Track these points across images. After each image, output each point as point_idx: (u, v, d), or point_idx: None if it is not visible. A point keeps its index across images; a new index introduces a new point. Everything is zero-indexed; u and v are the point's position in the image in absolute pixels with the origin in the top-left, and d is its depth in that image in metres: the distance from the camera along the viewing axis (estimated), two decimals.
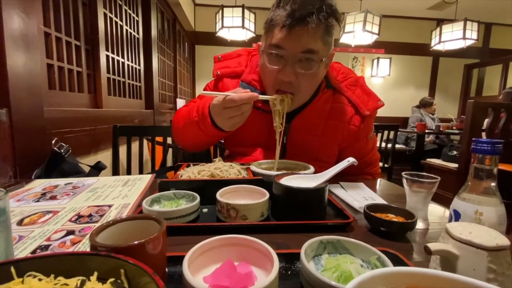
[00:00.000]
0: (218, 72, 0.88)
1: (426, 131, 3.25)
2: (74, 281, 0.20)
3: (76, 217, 0.51)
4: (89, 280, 0.20)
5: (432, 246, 0.30)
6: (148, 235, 0.28)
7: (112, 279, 0.21)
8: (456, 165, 2.22)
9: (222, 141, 1.00)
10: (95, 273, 0.21)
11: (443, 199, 0.65)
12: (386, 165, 2.52)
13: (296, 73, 0.72)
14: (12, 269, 0.20)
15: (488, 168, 0.39)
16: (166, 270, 0.33)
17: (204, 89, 0.95)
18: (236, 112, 0.67)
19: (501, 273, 0.28)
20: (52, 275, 0.21)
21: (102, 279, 0.21)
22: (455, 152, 2.46)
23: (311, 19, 0.65)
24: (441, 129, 3.33)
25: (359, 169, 0.89)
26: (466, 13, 3.40)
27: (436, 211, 0.62)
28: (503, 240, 0.29)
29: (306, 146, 0.84)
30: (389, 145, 2.52)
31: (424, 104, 3.83)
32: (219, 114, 0.69)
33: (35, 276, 0.21)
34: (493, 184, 0.39)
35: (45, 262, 0.21)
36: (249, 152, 0.87)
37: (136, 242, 0.27)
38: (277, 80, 0.74)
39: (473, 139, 0.39)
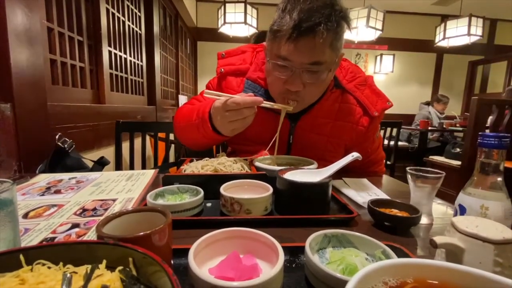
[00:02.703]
0: (222, 69, 0.85)
1: (429, 128, 3.23)
2: (83, 269, 0.20)
3: (81, 210, 0.51)
4: (98, 268, 0.20)
5: (438, 239, 0.30)
6: (153, 227, 0.28)
7: (120, 267, 0.21)
8: (459, 163, 2.21)
9: None
10: (104, 261, 0.21)
11: (445, 196, 0.64)
12: (388, 162, 2.51)
13: (303, 83, 0.69)
14: (21, 257, 0.20)
15: (495, 163, 0.38)
16: (172, 262, 0.33)
17: (207, 86, 0.94)
18: (238, 116, 0.64)
19: (508, 267, 0.28)
20: (61, 263, 0.21)
21: (110, 268, 0.21)
22: (458, 150, 2.44)
23: (318, 30, 0.61)
24: (444, 126, 3.31)
25: (364, 168, 0.89)
26: (471, 9, 3.36)
27: (439, 207, 0.62)
28: (510, 234, 0.29)
29: (312, 146, 0.83)
30: (392, 142, 2.51)
31: (437, 100, 3.71)
32: (220, 117, 0.66)
33: (44, 264, 0.21)
34: (499, 179, 0.39)
35: (53, 251, 0.22)
36: (253, 150, 0.86)
37: (142, 233, 0.27)
38: (283, 89, 0.72)
39: (480, 133, 0.39)
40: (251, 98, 0.64)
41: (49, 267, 0.21)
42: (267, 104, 0.68)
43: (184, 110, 0.85)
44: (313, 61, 0.66)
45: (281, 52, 0.67)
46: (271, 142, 0.76)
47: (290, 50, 0.65)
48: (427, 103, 3.85)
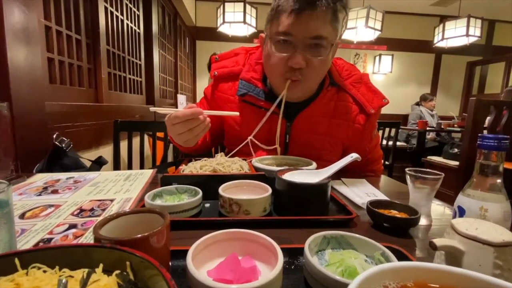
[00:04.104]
0: (216, 73, 0.87)
1: (427, 128, 3.24)
2: (80, 273, 0.20)
3: (78, 211, 0.50)
4: (95, 272, 0.20)
5: (438, 241, 0.30)
6: (151, 228, 0.28)
7: (117, 271, 0.20)
8: (457, 163, 2.21)
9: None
10: (101, 265, 0.21)
11: (443, 197, 0.65)
12: (387, 163, 2.51)
13: (306, 59, 0.70)
14: (17, 261, 0.20)
15: (494, 164, 0.38)
16: (170, 264, 0.33)
17: (204, 94, 0.95)
18: (183, 128, 0.65)
19: (507, 269, 0.28)
20: (57, 267, 0.21)
21: (107, 271, 0.21)
22: (456, 150, 2.45)
23: (319, 3, 0.64)
24: (442, 126, 3.32)
25: (362, 167, 0.89)
26: (470, 9, 3.37)
27: (437, 208, 0.62)
28: (510, 236, 0.29)
29: (309, 145, 0.83)
30: (390, 143, 2.51)
31: (424, 98, 3.83)
32: (169, 130, 0.68)
33: (39, 268, 0.20)
34: (498, 180, 0.39)
35: (49, 254, 0.21)
36: (249, 151, 0.85)
37: (139, 235, 0.26)
38: (286, 67, 0.72)
39: (479, 134, 0.39)
40: (190, 110, 0.64)
41: (44, 271, 0.20)
42: (208, 112, 0.68)
43: None
44: (315, 35, 0.67)
45: (282, 28, 0.68)
46: (276, 145, 0.76)
47: (292, 23, 0.67)
48: (417, 104, 3.93)
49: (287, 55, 0.70)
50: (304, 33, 0.67)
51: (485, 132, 1.74)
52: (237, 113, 0.72)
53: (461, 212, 0.41)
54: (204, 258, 0.32)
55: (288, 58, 0.70)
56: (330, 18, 0.67)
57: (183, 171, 0.64)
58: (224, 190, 0.52)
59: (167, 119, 0.67)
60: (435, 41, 3.25)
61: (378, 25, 2.79)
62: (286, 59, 0.70)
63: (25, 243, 0.39)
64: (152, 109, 0.68)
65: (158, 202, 0.52)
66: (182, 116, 0.64)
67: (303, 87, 0.76)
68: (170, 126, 0.67)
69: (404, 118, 4.26)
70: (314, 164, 0.69)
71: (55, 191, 0.60)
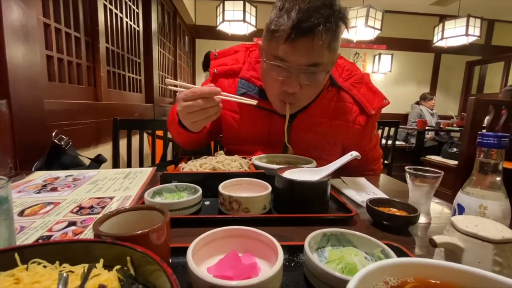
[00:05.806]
0: (215, 70, 0.85)
1: (426, 127, 3.25)
2: (80, 268, 0.20)
3: (78, 208, 0.50)
4: (95, 267, 0.20)
5: (438, 238, 0.30)
6: (151, 225, 0.28)
7: (118, 266, 0.20)
8: (455, 162, 2.22)
9: (221, 135, 0.99)
10: (101, 260, 0.20)
11: (442, 196, 0.65)
12: (386, 162, 2.51)
13: (300, 84, 0.69)
14: (16, 256, 0.20)
15: (494, 162, 0.38)
16: (170, 261, 0.33)
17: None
18: (195, 106, 0.62)
19: (507, 266, 0.28)
20: (57, 262, 0.21)
21: (108, 267, 0.20)
22: (455, 149, 2.45)
23: (317, 31, 0.60)
24: (441, 126, 3.33)
25: (361, 166, 0.89)
26: (469, 9, 3.38)
27: (436, 206, 0.62)
28: (509, 233, 0.29)
29: (309, 145, 0.82)
30: (389, 142, 2.52)
31: (424, 97, 3.85)
32: (180, 107, 0.65)
33: (39, 263, 0.20)
34: (498, 178, 0.39)
35: (49, 249, 0.21)
36: (248, 150, 0.85)
37: (140, 232, 0.26)
38: (280, 90, 0.71)
39: (479, 133, 0.39)
40: (208, 88, 0.62)
41: (44, 266, 0.20)
42: (226, 95, 0.66)
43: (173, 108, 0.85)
44: (311, 63, 0.66)
45: (278, 52, 0.66)
46: (285, 145, 0.75)
47: (287, 51, 0.64)
48: (417, 103, 3.96)
49: (282, 79, 0.69)
50: (300, 60, 0.65)
51: (483, 131, 1.74)
52: (255, 102, 0.70)
53: (460, 210, 0.41)
54: (204, 255, 0.32)
55: (282, 82, 0.69)
56: (328, 42, 0.64)
57: (182, 169, 0.64)
58: (224, 188, 0.52)
59: (181, 95, 0.64)
60: (435, 40, 3.25)
61: (377, 24, 2.79)
62: (280, 82, 0.70)
63: (24, 240, 0.39)
64: (168, 81, 0.66)
65: (158, 200, 0.52)
66: (200, 93, 0.62)
67: (297, 106, 0.77)
68: (182, 102, 0.63)
69: (404, 118, 4.27)
70: (314, 163, 0.69)
71: (54, 189, 0.60)
